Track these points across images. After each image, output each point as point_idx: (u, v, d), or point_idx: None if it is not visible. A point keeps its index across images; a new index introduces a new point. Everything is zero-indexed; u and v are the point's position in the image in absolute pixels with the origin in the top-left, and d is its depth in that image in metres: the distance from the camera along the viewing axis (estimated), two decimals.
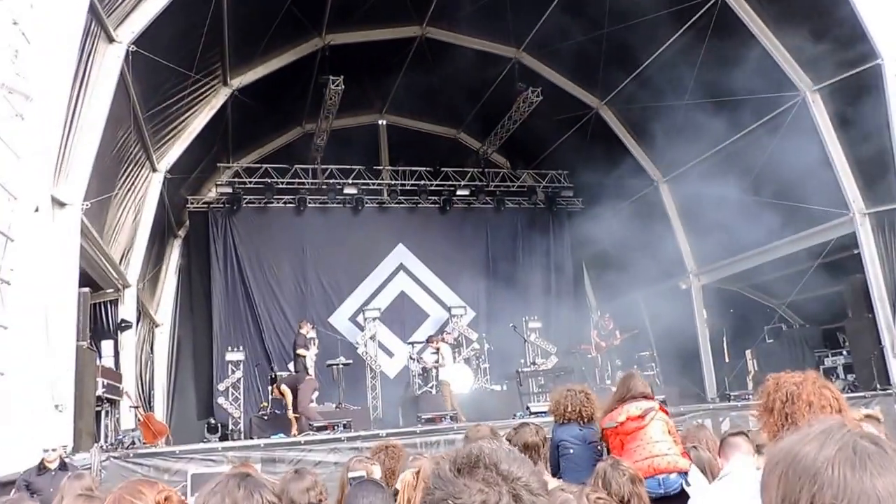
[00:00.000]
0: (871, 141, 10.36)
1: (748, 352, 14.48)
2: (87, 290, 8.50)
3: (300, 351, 11.36)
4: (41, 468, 6.21)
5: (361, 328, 14.99)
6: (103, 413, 8.90)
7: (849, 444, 0.90)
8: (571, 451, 4.69)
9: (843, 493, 0.86)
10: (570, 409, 4.82)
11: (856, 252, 11.21)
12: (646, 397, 4.62)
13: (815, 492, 0.86)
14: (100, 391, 8.54)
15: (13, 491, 5.90)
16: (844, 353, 12.65)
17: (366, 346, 14.59)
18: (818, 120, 11.01)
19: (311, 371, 11.61)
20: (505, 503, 1.03)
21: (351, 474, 3.60)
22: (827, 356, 12.98)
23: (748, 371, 14.30)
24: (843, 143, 10.92)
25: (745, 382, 13.88)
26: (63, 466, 6.21)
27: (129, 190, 10.60)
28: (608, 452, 4.55)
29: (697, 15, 11.53)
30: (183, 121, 11.63)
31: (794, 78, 11.05)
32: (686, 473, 4.25)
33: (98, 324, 10.18)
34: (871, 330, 11.07)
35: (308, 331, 11.96)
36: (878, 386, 10.59)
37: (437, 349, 12.82)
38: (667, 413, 4.59)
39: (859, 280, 11.33)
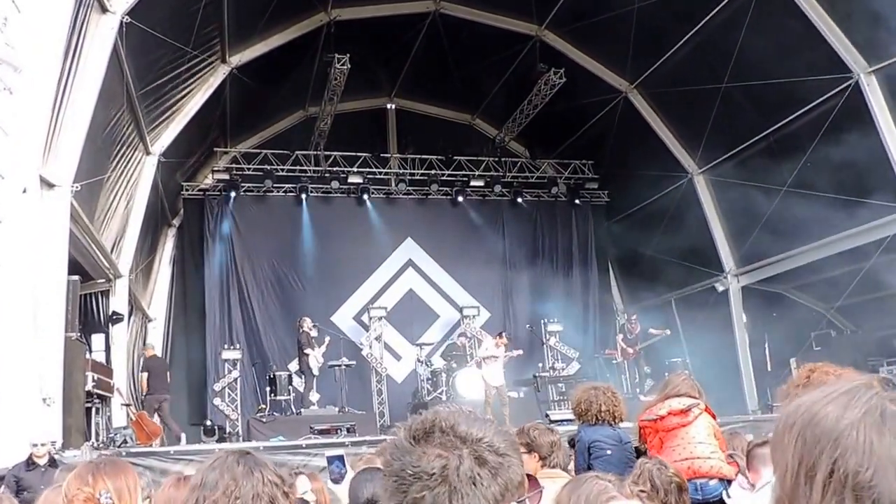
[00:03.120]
0: None
1: (793, 360, 14.22)
2: (76, 278, 8.65)
3: (306, 350, 11.50)
4: (30, 463, 6.38)
5: (366, 328, 15.10)
6: (94, 410, 9.06)
7: (876, 407, 0.88)
8: (609, 451, 4.62)
9: (868, 459, 0.84)
10: (604, 409, 4.73)
11: None
12: (690, 397, 4.58)
13: (836, 457, 0.85)
14: (89, 386, 8.70)
15: (2, 486, 6.06)
16: None
17: (371, 347, 14.68)
18: (873, 104, 10.78)
19: (316, 372, 11.74)
20: (467, 466, 1.02)
21: (328, 454, 3.63)
22: (882, 365, 12.82)
23: None
24: None
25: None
26: (53, 463, 6.38)
27: (121, 173, 10.77)
28: (646, 451, 4.54)
29: None
30: (179, 100, 11.79)
31: (847, 58, 10.79)
32: (730, 482, 4.22)
33: (88, 316, 10.35)
34: None
35: (309, 328, 12.07)
36: None
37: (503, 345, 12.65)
38: (713, 416, 4.55)
39: None
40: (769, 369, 14.74)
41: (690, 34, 12.67)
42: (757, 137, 13.03)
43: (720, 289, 15.09)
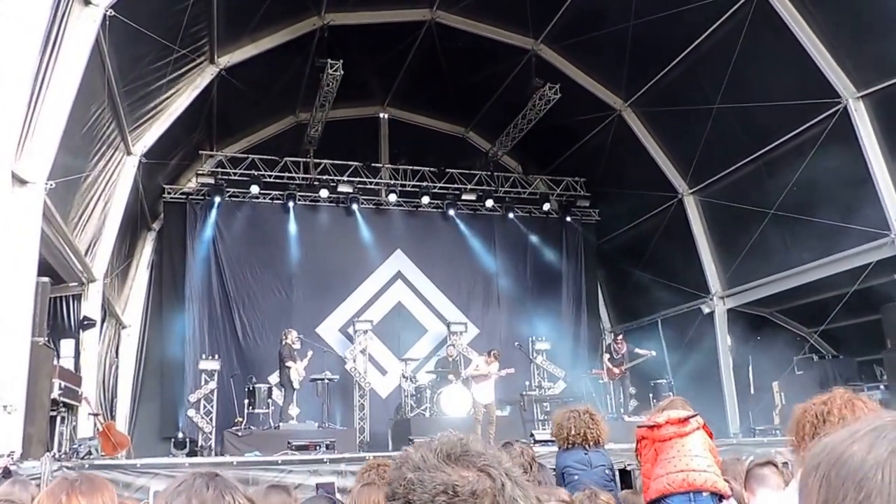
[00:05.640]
0: None
1: (775, 384, 14.23)
2: (46, 279, 8.25)
3: (287, 363, 11.19)
4: None
5: (353, 341, 14.74)
6: (58, 419, 8.62)
7: None
8: (576, 476, 4.71)
9: (893, 501, 0.80)
10: (573, 433, 4.89)
11: None
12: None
13: (861, 500, 0.81)
14: (55, 394, 8.26)
15: None
16: (882, 387, 12.47)
17: (355, 360, 14.33)
18: (861, 130, 10.73)
19: (297, 385, 11.41)
20: (509, 487, 1.02)
21: (317, 480, 3.55)
22: (862, 390, 12.75)
23: (775, 405, 14.10)
24: (886, 157, 10.69)
25: (770, 417, 13.68)
26: (7, 474, 5.96)
27: (99, 173, 10.37)
28: (638, 463, 4.44)
29: (733, 9, 11.41)
30: (163, 100, 11.44)
31: (836, 82, 10.74)
32: (722, 498, 4.11)
33: (57, 320, 9.91)
34: None
35: (294, 340, 11.75)
36: None
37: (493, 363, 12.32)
38: (710, 434, 4.41)
39: None
40: (752, 392, 14.66)
41: (684, 54, 12.64)
42: (747, 160, 12.99)
43: (706, 311, 14.99)
